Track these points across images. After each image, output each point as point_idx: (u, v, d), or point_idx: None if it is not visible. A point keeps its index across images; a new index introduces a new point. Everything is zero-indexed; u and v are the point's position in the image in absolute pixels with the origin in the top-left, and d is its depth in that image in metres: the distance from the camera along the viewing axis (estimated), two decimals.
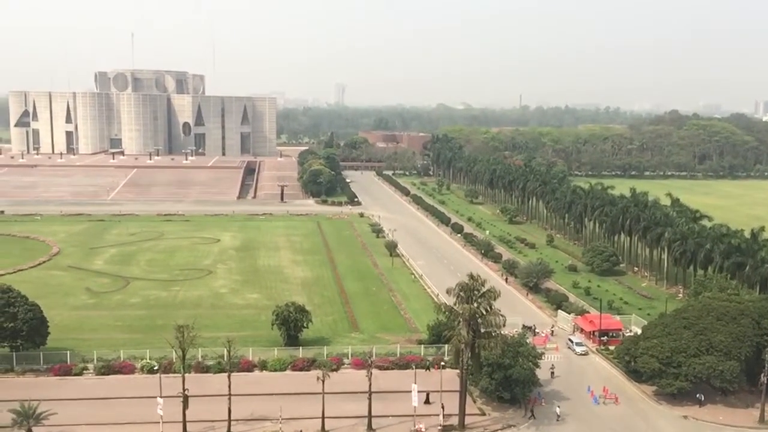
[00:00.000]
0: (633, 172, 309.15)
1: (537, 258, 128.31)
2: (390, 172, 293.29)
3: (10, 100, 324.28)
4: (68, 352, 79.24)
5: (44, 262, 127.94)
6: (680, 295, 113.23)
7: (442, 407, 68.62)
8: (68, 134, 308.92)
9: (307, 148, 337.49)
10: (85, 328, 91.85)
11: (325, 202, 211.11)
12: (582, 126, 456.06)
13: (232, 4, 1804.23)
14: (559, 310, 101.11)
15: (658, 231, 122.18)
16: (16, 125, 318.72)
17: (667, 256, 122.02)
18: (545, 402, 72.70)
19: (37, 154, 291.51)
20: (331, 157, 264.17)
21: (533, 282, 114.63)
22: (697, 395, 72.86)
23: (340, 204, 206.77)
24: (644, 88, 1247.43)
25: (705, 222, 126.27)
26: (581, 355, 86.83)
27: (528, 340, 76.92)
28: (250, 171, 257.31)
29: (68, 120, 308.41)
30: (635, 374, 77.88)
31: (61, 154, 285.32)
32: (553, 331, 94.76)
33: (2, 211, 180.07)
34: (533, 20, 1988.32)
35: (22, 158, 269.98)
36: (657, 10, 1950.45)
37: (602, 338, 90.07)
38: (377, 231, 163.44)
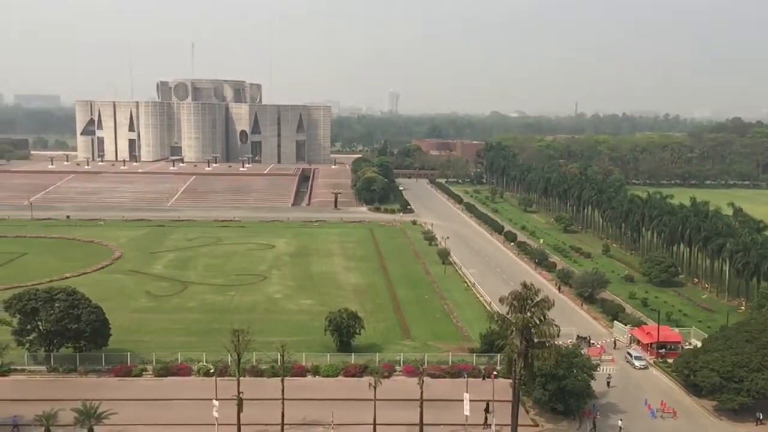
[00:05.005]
0: (693, 181, 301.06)
1: (592, 268, 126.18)
2: (443, 180, 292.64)
3: (77, 110, 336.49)
4: (128, 353, 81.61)
5: (107, 265, 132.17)
6: (742, 307, 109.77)
7: (485, 417, 68.38)
8: (131, 142, 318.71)
9: (360, 155, 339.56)
10: (145, 331, 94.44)
11: (378, 209, 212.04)
12: (639, 134, 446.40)
13: (288, 15, 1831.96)
14: (615, 321, 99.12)
15: (720, 242, 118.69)
16: (82, 133, 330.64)
17: (728, 267, 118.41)
18: (600, 415, 71.31)
19: (102, 161, 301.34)
20: (385, 164, 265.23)
21: (588, 292, 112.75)
22: (757, 413, 70.37)
23: (393, 211, 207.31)
24: (704, 96, 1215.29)
25: None
26: (640, 369, 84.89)
27: (583, 351, 75.75)
28: (304, 178, 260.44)
29: (131, 128, 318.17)
30: (694, 388, 75.76)
31: (123, 161, 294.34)
32: (615, 344, 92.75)
33: (68, 216, 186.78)
34: (589, 26, 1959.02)
35: (88, 165, 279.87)
36: (717, 18, 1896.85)
37: (660, 351, 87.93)
38: (430, 239, 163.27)
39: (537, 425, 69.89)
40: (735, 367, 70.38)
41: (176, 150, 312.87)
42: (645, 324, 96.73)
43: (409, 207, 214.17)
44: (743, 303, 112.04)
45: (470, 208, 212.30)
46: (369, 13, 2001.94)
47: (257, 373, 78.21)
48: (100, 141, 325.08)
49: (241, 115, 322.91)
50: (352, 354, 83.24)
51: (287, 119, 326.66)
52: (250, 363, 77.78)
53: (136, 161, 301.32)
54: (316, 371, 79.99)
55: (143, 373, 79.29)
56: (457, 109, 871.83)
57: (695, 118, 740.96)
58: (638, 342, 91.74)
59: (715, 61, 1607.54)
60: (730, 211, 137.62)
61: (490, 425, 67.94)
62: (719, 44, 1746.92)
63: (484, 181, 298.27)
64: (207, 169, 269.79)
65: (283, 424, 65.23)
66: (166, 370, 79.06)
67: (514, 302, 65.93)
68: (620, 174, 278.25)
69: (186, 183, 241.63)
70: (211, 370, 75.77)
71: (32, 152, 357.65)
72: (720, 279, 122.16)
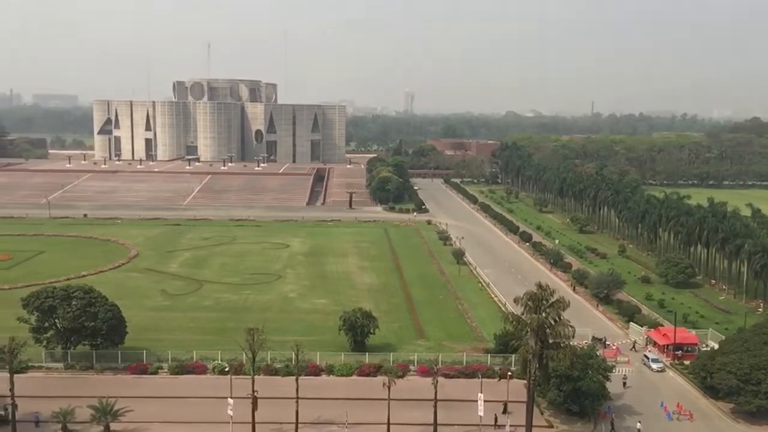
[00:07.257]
0: (711, 182, 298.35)
1: (608, 268, 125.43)
2: (458, 180, 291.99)
3: (95, 109, 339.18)
4: (144, 351, 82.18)
5: (123, 264, 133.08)
6: (760, 309, 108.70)
7: (495, 418, 68.20)
8: (147, 141, 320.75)
9: (375, 155, 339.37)
10: (161, 329, 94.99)
11: (392, 209, 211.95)
12: (657, 134, 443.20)
13: (304, 15, 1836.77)
14: (631, 323, 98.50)
15: (738, 243, 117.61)
16: (99, 133, 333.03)
17: (746, 268, 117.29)
18: (615, 416, 70.89)
19: (119, 160, 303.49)
20: (399, 164, 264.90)
21: (604, 293, 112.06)
22: None
23: (407, 211, 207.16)
24: (723, 95, 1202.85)
25: None
26: (657, 371, 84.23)
27: (598, 353, 75.33)
28: (319, 178, 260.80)
29: (147, 128, 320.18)
30: (711, 390, 75.14)
31: (140, 160, 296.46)
32: (634, 345, 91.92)
33: (85, 215, 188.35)
34: (605, 25, 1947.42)
35: (105, 164, 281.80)
36: (732, 17, 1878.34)
37: (676, 352, 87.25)
38: (444, 239, 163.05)
39: (552, 426, 69.60)
40: (753, 370, 69.76)
41: (192, 149, 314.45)
42: (661, 325, 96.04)
43: (423, 207, 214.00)
44: (761, 305, 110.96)
45: (485, 208, 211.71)
46: (383, 12, 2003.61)
47: (272, 371, 78.45)
48: (117, 140, 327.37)
49: (257, 115, 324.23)
50: (366, 353, 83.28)
51: (302, 119, 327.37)
52: (264, 362, 78.07)
53: (153, 160, 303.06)
54: (330, 370, 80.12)
55: (159, 371, 79.82)
56: (472, 108, 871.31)
57: (713, 118, 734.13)
58: (654, 344, 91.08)
59: (734, 59, 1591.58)
60: (748, 212, 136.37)
61: (503, 426, 67.70)
62: (734, 43, 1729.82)
63: (500, 181, 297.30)
64: (222, 168, 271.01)
65: (297, 423, 65.41)
66: (181, 368, 79.53)
67: (528, 303, 65.61)
68: (637, 174, 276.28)
69: (202, 182, 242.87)
70: (226, 369, 76.23)
71: (50, 151, 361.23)
72: (738, 280, 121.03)
